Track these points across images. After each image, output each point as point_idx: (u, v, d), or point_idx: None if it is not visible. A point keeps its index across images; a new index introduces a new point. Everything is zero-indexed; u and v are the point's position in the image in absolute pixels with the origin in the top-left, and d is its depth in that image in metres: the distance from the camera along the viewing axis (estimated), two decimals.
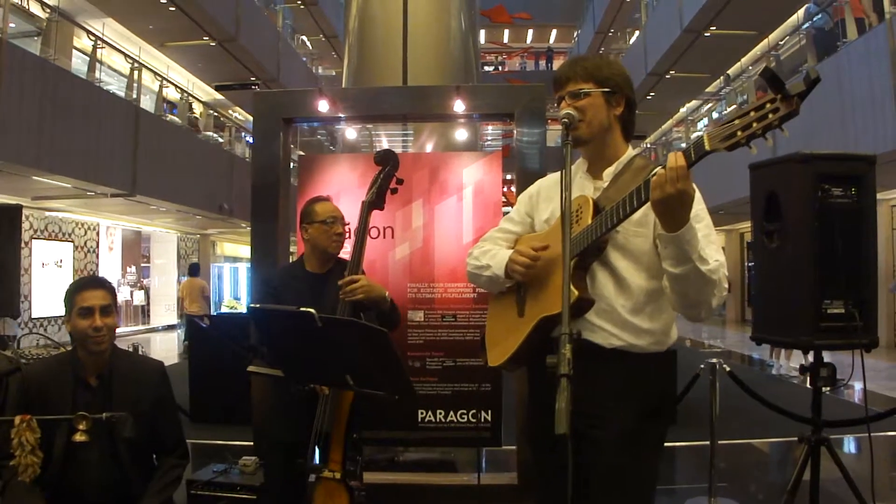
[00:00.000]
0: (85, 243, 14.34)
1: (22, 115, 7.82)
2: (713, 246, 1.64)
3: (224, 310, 17.18)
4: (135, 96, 11.08)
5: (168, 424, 2.33)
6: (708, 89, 17.28)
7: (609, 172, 1.78)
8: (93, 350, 2.16)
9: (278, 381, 2.44)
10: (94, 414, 1.96)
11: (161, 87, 12.34)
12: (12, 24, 9.27)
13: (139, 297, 16.69)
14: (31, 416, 1.94)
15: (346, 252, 2.70)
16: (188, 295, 11.05)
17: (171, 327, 16.87)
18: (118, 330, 2.27)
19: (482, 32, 23.60)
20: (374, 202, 2.58)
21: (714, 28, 13.63)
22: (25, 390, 2.15)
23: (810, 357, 2.70)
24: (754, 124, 1.35)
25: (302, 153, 13.98)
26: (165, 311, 17.38)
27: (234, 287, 22.51)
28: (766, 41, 13.68)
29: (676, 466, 4.59)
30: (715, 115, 15.75)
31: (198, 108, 14.88)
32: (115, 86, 12.30)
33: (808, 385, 2.82)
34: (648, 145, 19.07)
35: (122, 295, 15.78)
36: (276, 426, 2.72)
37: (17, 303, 3.83)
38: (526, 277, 1.75)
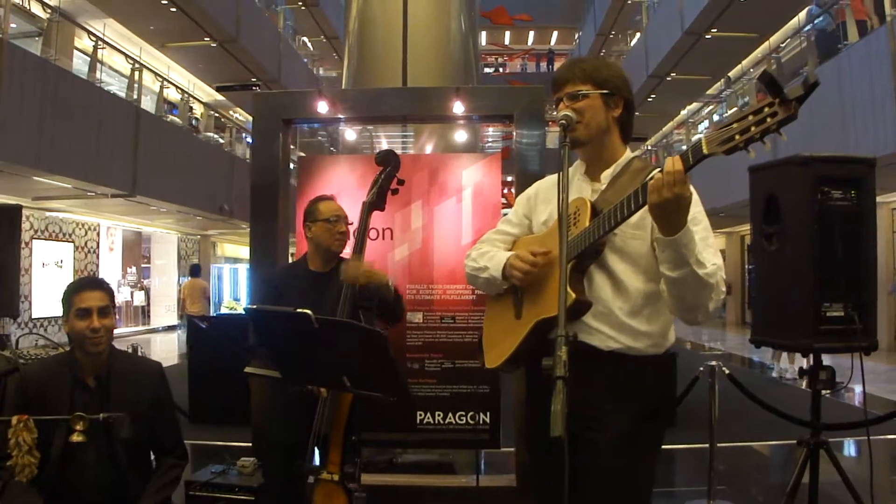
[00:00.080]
0: (85, 244, 14.35)
1: (22, 116, 7.83)
2: (711, 249, 1.64)
3: (224, 311, 17.18)
4: (135, 97, 11.10)
5: (166, 425, 2.33)
6: (709, 92, 17.27)
7: (607, 174, 1.78)
8: (90, 351, 2.16)
9: (277, 382, 2.44)
10: (92, 415, 1.96)
11: (162, 87, 12.35)
12: (13, 25, 9.28)
13: (139, 298, 16.71)
14: (28, 417, 1.94)
15: (347, 253, 2.70)
16: (190, 295, 11.06)
17: (171, 328, 16.87)
18: (119, 330, 2.28)
19: (483, 34, 23.63)
20: (375, 203, 2.57)
21: (715, 30, 13.64)
22: (23, 391, 2.15)
23: (810, 360, 2.70)
24: (752, 128, 1.35)
25: (302, 154, 13.99)
26: (166, 312, 17.38)
27: (233, 288, 22.54)
28: (767, 43, 13.67)
29: (675, 469, 4.59)
30: (716, 117, 15.74)
31: (198, 109, 14.89)
32: (116, 86, 12.31)
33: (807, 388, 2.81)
34: (649, 147, 19.07)
35: (123, 295, 15.80)
36: (276, 427, 2.72)
37: (16, 303, 3.85)
38: (524, 283, 1.75)
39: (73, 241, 13.79)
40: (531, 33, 28.19)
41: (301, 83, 17.24)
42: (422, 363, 3.56)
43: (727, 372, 3.55)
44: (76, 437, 1.94)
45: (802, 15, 11.67)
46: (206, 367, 5.69)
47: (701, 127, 16.64)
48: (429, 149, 6.19)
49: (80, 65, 10.61)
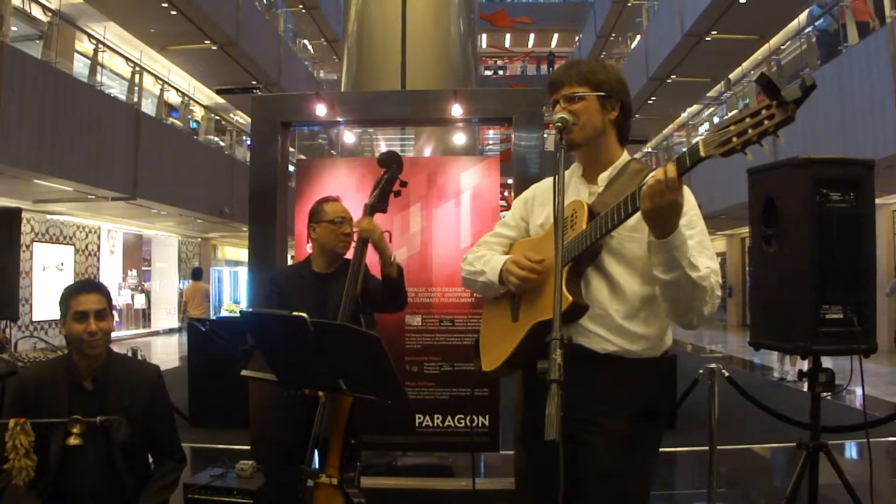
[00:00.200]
0: (86, 247, 14.36)
1: (23, 119, 7.84)
2: (706, 253, 1.64)
3: (224, 313, 17.18)
4: (136, 100, 11.11)
5: (164, 428, 2.33)
6: (709, 94, 17.28)
7: (604, 177, 1.77)
8: (88, 354, 2.15)
9: (276, 385, 2.43)
10: (90, 418, 1.96)
11: (162, 90, 12.37)
12: (14, 28, 9.30)
13: (140, 301, 16.71)
14: (26, 420, 1.94)
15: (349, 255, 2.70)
16: (192, 299, 11.08)
17: (171, 331, 16.87)
18: (119, 334, 2.28)
19: (484, 37, 23.66)
20: (376, 205, 2.55)
21: (715, 32, 13.65)
22: (21, 394, 2.15)
23: (810, 362, 2.69)
24: (749, 130, 1.34)
25: (303, 157, 14.01)
26: (166, 315, 17.39)
27: (233, 291, 22.54)
28: (767, 45, 13.69)
29: (676, 472, 4.58)
30: (716, 119, 15.74)
31: (199, 112, 14.90)
32: (117, 89, 12.33)
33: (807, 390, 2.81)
34: (650, 149, 19.07)
35: (124, 298, 15.80)
36: (275, 429, 2.71)
37: (16, 306, 3.85)
38: (521, 288, 1.74)
39: (73, 244, 13.81)
40: (532, 36, 28.23)
41: (301, 86, 17.25)
42: (420, 366, 3.55)
43: (727, 374, 3.54)
44: (73, 441, 1.94)
45: (803, 17, 11.67)
46: (206, 369, 5.69)
47: (702, 129, 16.65)
48: (428, 151, 6.19)
49: (80, 68, 10.64)
